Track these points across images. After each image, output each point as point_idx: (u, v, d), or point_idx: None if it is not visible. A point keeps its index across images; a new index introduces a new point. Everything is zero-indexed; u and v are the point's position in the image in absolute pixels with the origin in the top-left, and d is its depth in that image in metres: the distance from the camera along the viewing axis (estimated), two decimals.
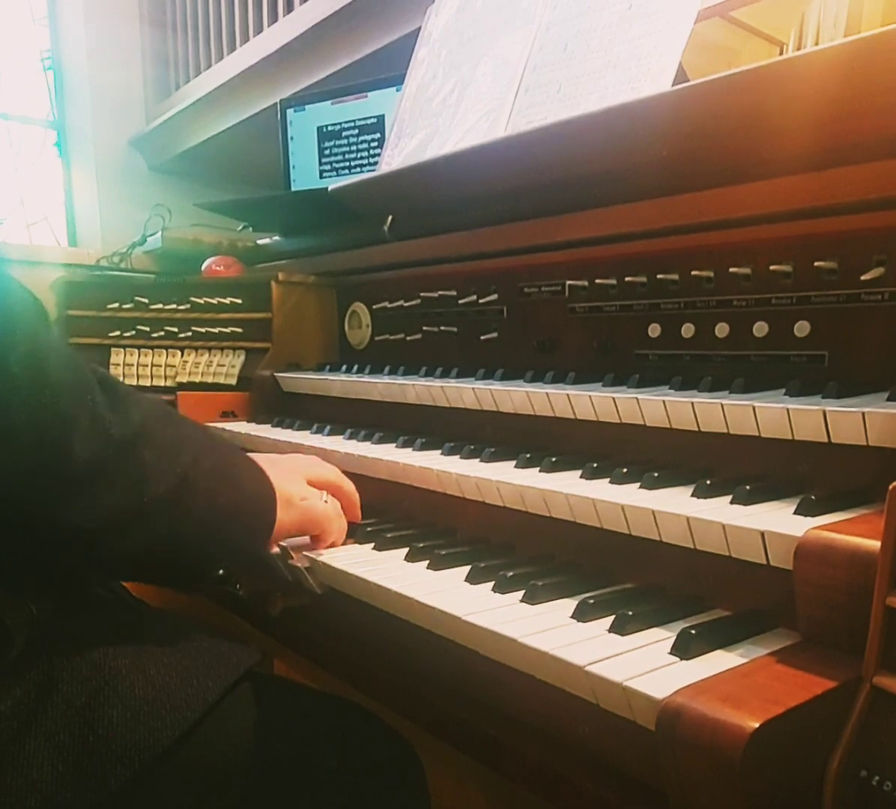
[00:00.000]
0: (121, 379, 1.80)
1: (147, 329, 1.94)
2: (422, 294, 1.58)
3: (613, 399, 1.00)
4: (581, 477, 0.95)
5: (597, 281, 1.25)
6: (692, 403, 0.91)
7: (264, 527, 0.90)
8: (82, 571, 0.82)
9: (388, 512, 1.19)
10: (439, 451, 1.18)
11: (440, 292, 1.54)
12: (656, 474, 0.89)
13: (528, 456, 1.04)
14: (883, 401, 0.81)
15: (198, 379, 1.85)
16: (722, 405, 0.88)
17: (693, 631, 0.67)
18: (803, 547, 0.66)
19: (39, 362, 0.65)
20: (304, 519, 0.96)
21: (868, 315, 0.95)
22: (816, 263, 0.98)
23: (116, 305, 1.96)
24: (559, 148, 1.20)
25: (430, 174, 1.41)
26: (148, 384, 1.91)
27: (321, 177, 2.30)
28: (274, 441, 1.44)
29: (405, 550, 0.99)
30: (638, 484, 0.89)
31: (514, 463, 1.05)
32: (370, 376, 1.51)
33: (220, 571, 0.88)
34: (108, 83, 3.24)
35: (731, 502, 0.80)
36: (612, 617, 0.73)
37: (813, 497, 0.75)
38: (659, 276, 1.15)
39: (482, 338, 1.46)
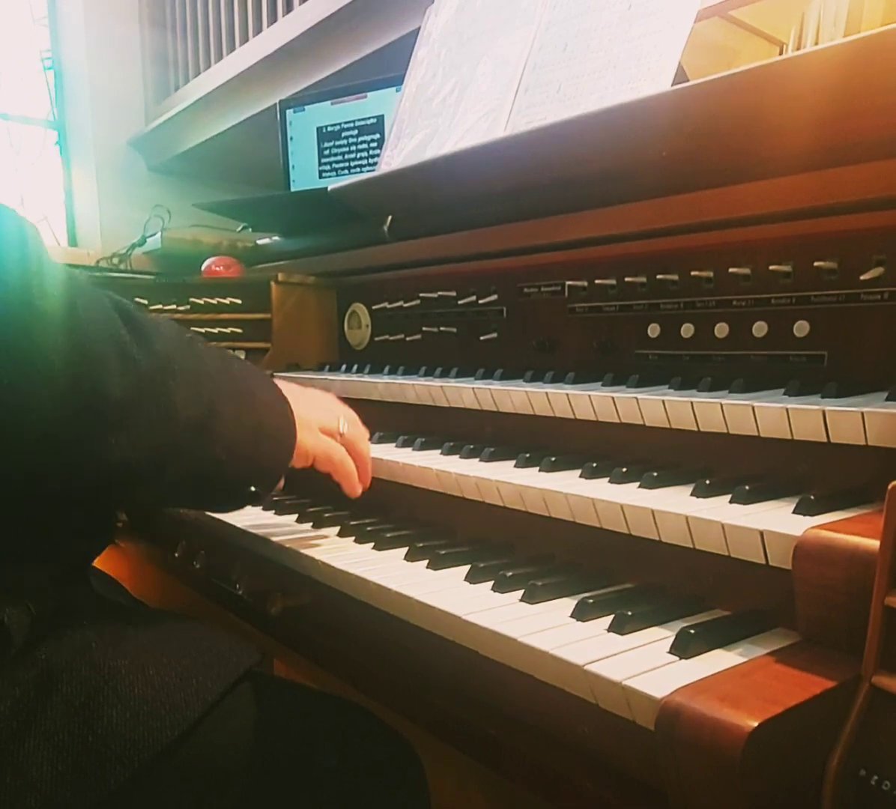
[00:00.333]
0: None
1: None
2: (421, 294, 1.58)
3: (613, 399, 1.00)
4: (580, 476, 0.95)
5: (596, 281, 1.25)
6: (692, 403, 0.91)
7: (287, 445, 0.90)
8: (134, 505, 0.82)
9: (388, 512, 1.19)
10: (439, 451, 1.18)
11: (440, 292, 1.54)
12: (656, 474, 0.89)
13: (528, 455, 1.04)
14: (882, 400, 0.81)
15: None
16: (721, 405, 0.88)
17: (692, 631, 0.67)
18: (802, 546, 0.66)
19: (69, 303, 0.65)
20: (322, 450, 0.96)
21: (867, 315, 0.95)
22: (816, 263, 0.98)
23: None
24: (559, 148, 1.20)
25: (429, 174, 1.41)
26: None
27: (321, 177, 2.30)
28: None
29: (405, 550, 0.99)
30: (637, 484, 0.90)
31: (513, 462, 1.05)
32: (370, 376, 1.51)
33: (252, 488, 0.88)
34: (107, 83, 3.24)
35: (731, 502, 0.80)
36: (612, 617, 0.73)
37: (812, 496, 0.75)
38: (658, 276, 1.15)
39: (482, 338, 1.46)
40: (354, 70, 2.18)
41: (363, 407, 1.48)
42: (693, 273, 1.12)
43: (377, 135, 2.16)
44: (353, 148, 2.23)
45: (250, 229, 2.29)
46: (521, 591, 0.82)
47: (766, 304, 1.05)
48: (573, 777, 0.73)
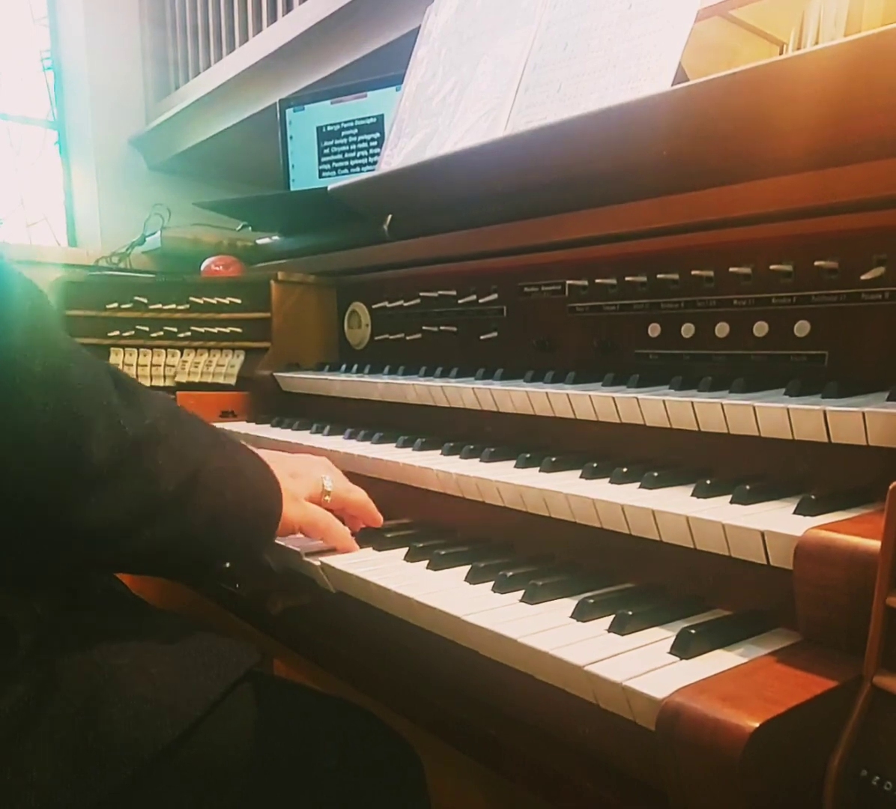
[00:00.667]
0: None
1: (146, 329, 1.94)
2: (421, 293, 1.58)
3: (613, 399, 1.00)
4: (581, 476, 0.95)
5: (597, 280, 1.25)
6: (692, 403, 0.91)
7: (270, 523, 0.90)
8: (91, 568, 0.83)
9: (388, 513, 1.19)
10: (439, 451, 1.18)
11: (440, 292, 1.54)
12: (656, 474, 0.89)
13: (528, 456, 1.04)
14: (883, 400, 0.81)
15: (197, 378, 1.85)
16: (722, 405, 0.88)
17: (693, 631, 0.67)
18: (803, 546, 0.66)
19: (61, 363, 0.66)
20: (307, 520, 0.96)
21: (868, 314, 0.95)
22: (816, 263, 0.98)
23: (116, 305, 1.95)
24: (559, 147, 1.20)
25: (429, 174, 1.41)
26: (147, 384, 1.90)
27: (320, 176, 2.30)
28: (273, 441, 1.43)
29: (405, 550, 0.99)
30: (638, 484, 0.89)
31: (513, 463, 1.05)
32: (370, 376, 1.51)
33: (227, 564, 0.88)
34: (108, 83, 3.24)
35: (731, 502, 0.80)
36: (612, 617, 0.73)
37: (813, 496, 0.75)
38: (659, 276, 1.15)
39: (482, 337, 1.46)
40: (354, 69, 2.18)
41: (363, 407, 1.49)
42: (693, 272, 1.12)
43: (377, 135, 2.16)
44: (353, 147, 2.23)
45: (250, 228, 2.29)
46: (522, 591, 0.82)
47: (767, 304, 1.05)
48: (573, 777, 0.73)
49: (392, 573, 0.91)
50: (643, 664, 0.65)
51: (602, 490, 0.89)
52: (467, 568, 0.89)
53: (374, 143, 2.17)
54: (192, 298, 1.89)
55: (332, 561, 0.96)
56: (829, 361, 0.99)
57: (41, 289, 0.69)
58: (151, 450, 0.73)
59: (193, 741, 0.74)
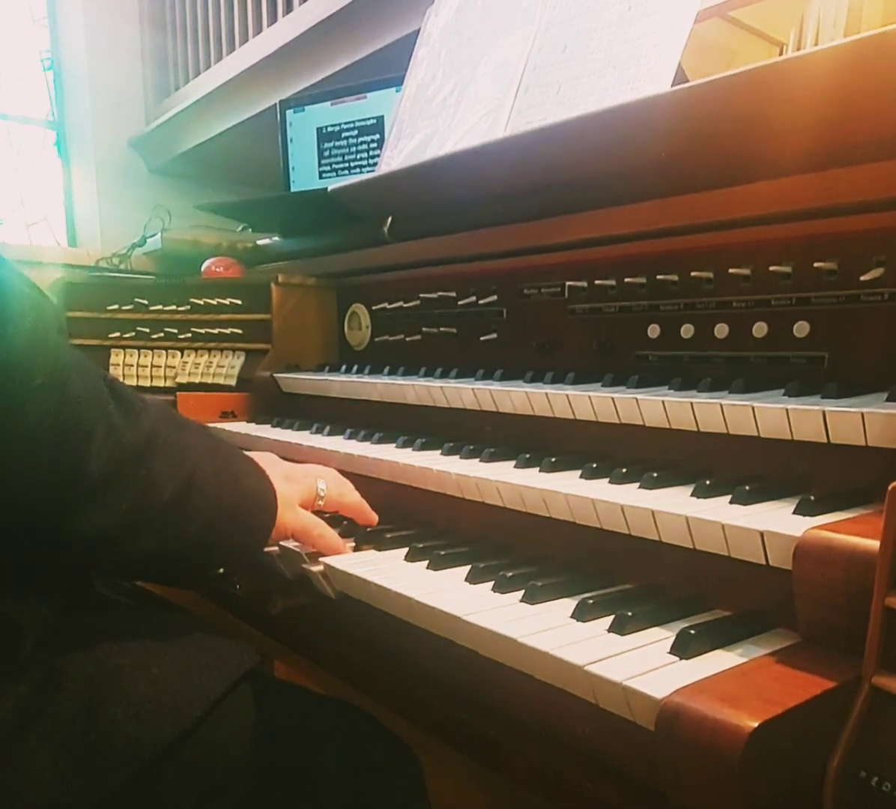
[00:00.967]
0: (121, 380, 1.80)
1: (147, 330, 1.94)
2: (421, 295, 1.58)
3: (613, 399, 1.00)
4: (580, 477, 0.95)
5: (596, 282, 1.25)
6: (691, 404, 0.91)
7: (265, 528, 0.91)
8: (87, 572, 0.83)
9: (388, 513, 1.19)
10: (439, 451, 1.18)
11: (440, 293, 1.54)
12: (656, 474, 0.89)
13: (528, 456, 1.04)
14: (882, 401, 0.81)
15: (197, 379, 1.85)
16: (721, 405, 0.88)
17: (692, 631, 0.67)
18: (802, 547, 0.66)
19: (62, 374, 0.67)
20: (300, 526, 0.97)
21: (867, 316, 0.95)
22: (816, 264, 0.98)
23: (116, 306, 1.96)
24: (559, 149, 1.20)
25: (429, 175, 1.41)
26: (147, 385, 1.91)
27: (321, 177, 2.30)
28: (273, 441, 1.44)
29: (405, 550, 0.99)
30: (637, 485, 0.90)
31: (513, 463, 1.05)
32: (370, 377, 1.51)
33: (221, 570, 0.89)
34: (108, 83, 3.25)
35: (731, 502, 0.80)
36: (612, 617, 0.73)
37: (812, 497, 0.75)
38: (658, 277, 1.15)
39: (482, 338, 1.46)
40: (354, 71, 2.18)
41: (363, 408, 1.49)
42: (693, 274, 1.12)
43: (377, 136, 2.17)
44: (353, 148, 2.23)
45: (250, 230, 2.29)
46: (522, 592, 0.82)
47: (766, 305, 1.05)
48: (573, 777, 0.73)
49: (392, 573, 0.91)
50: (643, 664, 0.65)
51: (602, 490, 0.89)
52: (467, 568, 0.89)
53: (374, 144, 2.18)
54: (192, 300, 1.89)
55: (333, 561, 0.96)
56: (829, 362, 0.99)
57: (45, 295, 0.69)
58: (149, 458, 0.74)
59: (194, 741, 0.74)
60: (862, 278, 0.93)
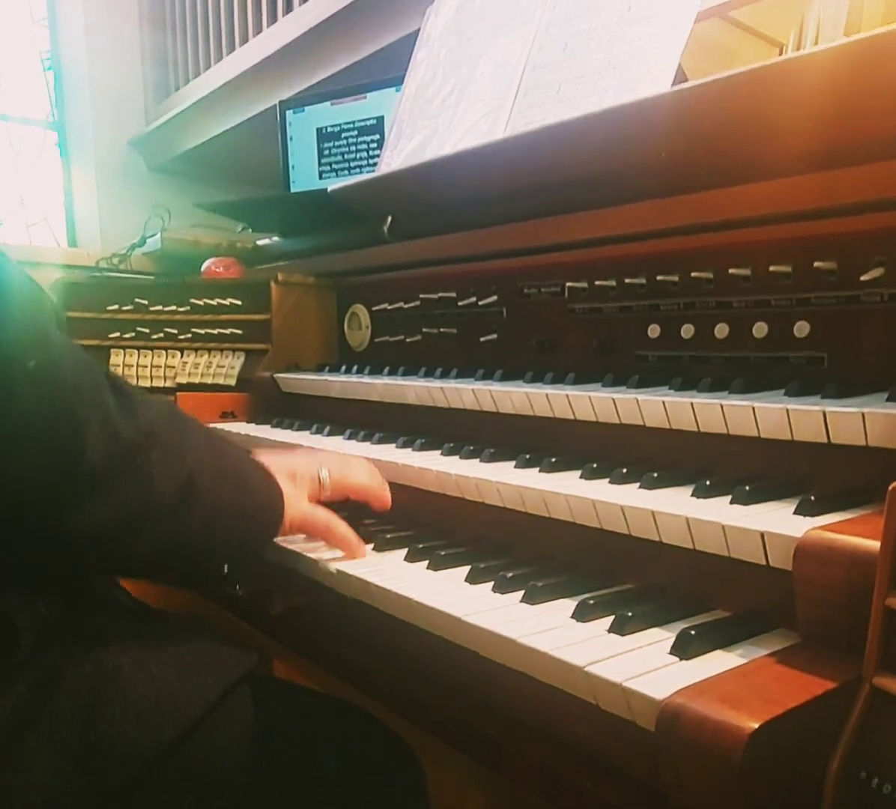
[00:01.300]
0: None
1: (146, 330, 1.94)
2: (421, 295, 1.58)
3: (613, 399, 1.00)
4: (581, 477, 0.95)
5: (596, 282, 1.25)
6: (692, 404, 0.91)
7: (270, 529, 0.90)
8: (89, 570, 0.83)
9: (388, 513, 1.19)
10: (439, 452, 1.18)
11: (440, 293, 1.54)
12: (656, 474, 0.89)
13: (528, 456, 1.04)
14: (882, 401, 0.81)
15: (197, 380, 1.85)
16: (721, 405, 0.88)
17: (693, 632, 0.67)
18: (803, 547, 0.66)
19: (56, 364, 0.66)
20: (307, 521, 0.96)
21: (867, 316, 0.95)
22: (816, 264, 0.98)
23: (116, 307, 1.96)
24: (559, 149, 1.20)
25: (429, 175, 1.41)
26: (147, 385, 1.91)
27: (320, 177, 2.30)
28: (273, 441, 1.44)
29: (405, 551, 0.98)
30: (637, 485, 0.89)
31: (513, 463, 1.05)
32: (370, 377, 1.51)
33: (225, 569, 0.88)
34: (108, 84, 3.24)
35: (731, 502, 0.80)
36: (612, 618, 0.73)
37: (812, 497, 0.75)
38: (658, 277, 1.15)
39: (482, 339, 1.46)
40: (354, 71, 2.18)
41: (363, 408, 1.49)
42: (693, 274, 1.12)
43: (377, 136, 2.17)
44: (353, 148, 2.23)
45: (250, 230, 2.29)
46: (522, 592, 0.81)
47: (766, 305, 1.05)
48: (573, 777, 0.73)
49: (392, 573, 0.91)
50: (643, 664, 0.65)
51: (602, 490, 0.89)
52: (467, 568, 0.89)
53: (374, 145, 2.18)
54: (192, 300, 1.89)
55: (333, 562, 0.96)
56: (829, 362, 0.99)
57: (45, 293, 0.69)
58: (147, 454, 0.73)
59: (193, 741, 0.74)
60: (862, 278, 0.93)
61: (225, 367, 1.84)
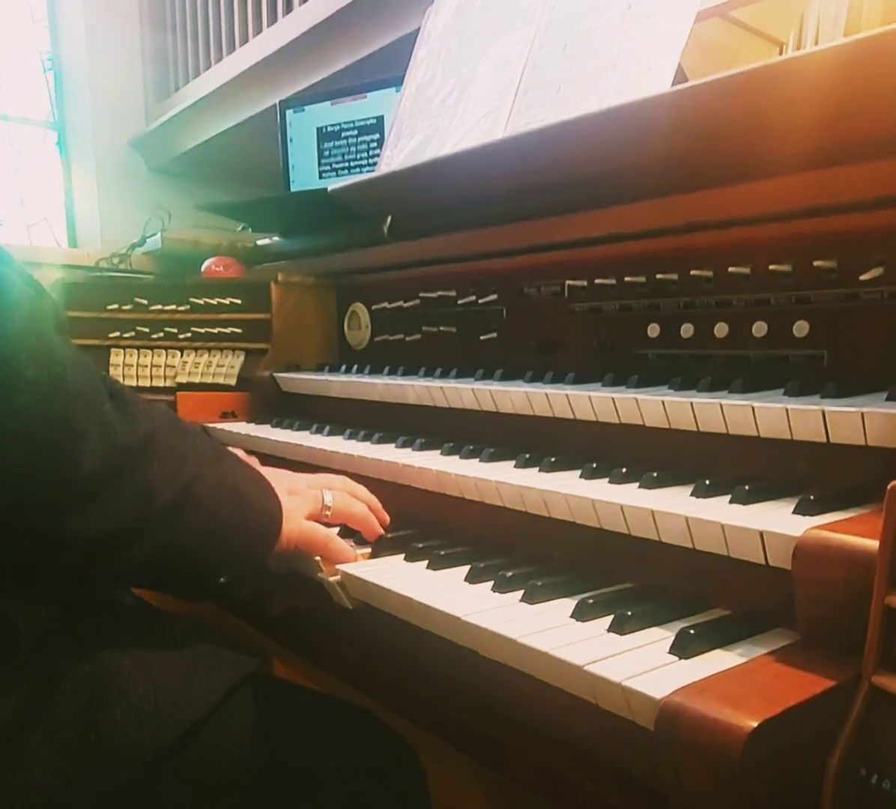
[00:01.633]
0: (120, 380, 1.80)
1: (147, 330, 1.94)
2: (421, 294, 1.58)
3: (613, 399, 1.00)
4: (580, 477, 0.95)
5: (596, 281, 1.25)
6: (691, 403, 0.91)
7: (267, 539, 0.89)
8: (85, 577, 0.83)
9: (388, 513, 1.19)
10: (438, 451, 1.18)
11: (439, 292, 1.54)
12: (655, 474, 0.89)
13: (528, 456, 1.04)
14: (882, 401, 0.81)
15: (197, 379, 1.85)
16: (721, 405, 0.88)
17: (692, 631, 0.67)
18: (802, 546, 0.66)
19: (56, 369, 0.66)
20: (305, 537, 0.95)
21: (867, 314, 0.95)
22: (816, 263, 0.98)
23: (116, 306, 1.96)
24: (558, 149, 1.20)
25: (429, 175, 1.41)
26: (147, 385, 1.91)
27: (320, 177, 2.30)
28: (273, 441, 1.44)
29: (405, 551, 0.98)
30: (637, 484, 0.90)
31: (513, 463, 1.05)
32: (370, 377, 1.51)
33: (222, 580, 0.88)
34: (108, 84, 3.25)
35: (730, 502, 0.80)
36: (612, 617, 0.73)
37: (812, 497, 0.75)
38: (658, 276, 1.15)
39: (481, 338, 1.46)
40: (354, 71, 2.19)
41: (363, 408, 1.49)
42: (693, 272, 1.12)
43: (377, 136, 2.17)
44: (353, 148, 2.23)
45: (250, 230, 2.29)
46: (521, 591, 0.82)
47: (766, 304, 1.05)
48: (573, 777, 0.73)
49: (392, 573, 0.91)
50: (642, 664, 0.65)
51: (601, 490, 0.89)
52: (467, 568, 0.89)
53: (374, 144, 2.18)
54: (192, 299, 1.89)
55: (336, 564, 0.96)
56: (828, 361, 0.99)
57: (46, 294, 0.69)
58: (146, 461, 0.73)
59: (194, 742, 0.74)
60: (861, 277, 0.93)
61: (225, 367, 1.84)
